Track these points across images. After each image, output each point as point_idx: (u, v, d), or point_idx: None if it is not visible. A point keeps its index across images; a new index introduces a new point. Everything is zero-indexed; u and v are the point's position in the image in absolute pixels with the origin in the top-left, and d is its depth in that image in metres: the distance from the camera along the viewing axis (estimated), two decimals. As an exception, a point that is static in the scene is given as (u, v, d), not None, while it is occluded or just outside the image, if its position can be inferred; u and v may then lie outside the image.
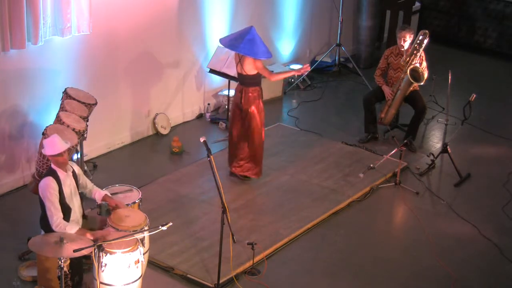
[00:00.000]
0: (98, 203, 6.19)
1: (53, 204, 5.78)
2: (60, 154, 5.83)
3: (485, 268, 6.87)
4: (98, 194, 6.19)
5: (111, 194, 6.36)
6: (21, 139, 7.56)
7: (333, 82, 11.16)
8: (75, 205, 6.03)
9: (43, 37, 7.25)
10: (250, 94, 7.66)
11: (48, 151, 5.83)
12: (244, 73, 7.57)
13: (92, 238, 5.71)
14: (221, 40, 7.73)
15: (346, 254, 6.95)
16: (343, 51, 11.26)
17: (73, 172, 6.06)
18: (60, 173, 5.88)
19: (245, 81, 7.65)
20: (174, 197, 7.66)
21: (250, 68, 7.52)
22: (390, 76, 9.01)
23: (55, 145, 5.81)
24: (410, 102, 9.00)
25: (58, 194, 5.82)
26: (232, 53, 8.13)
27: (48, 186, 5.79)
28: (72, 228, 5.75)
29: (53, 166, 5.89)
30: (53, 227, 5.76)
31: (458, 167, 8.39)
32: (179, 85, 9.29)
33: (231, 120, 7.94)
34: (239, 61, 7.58)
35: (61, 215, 5.79)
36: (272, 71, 8.02)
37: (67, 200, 5.90)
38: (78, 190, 6.11)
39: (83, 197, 6.25)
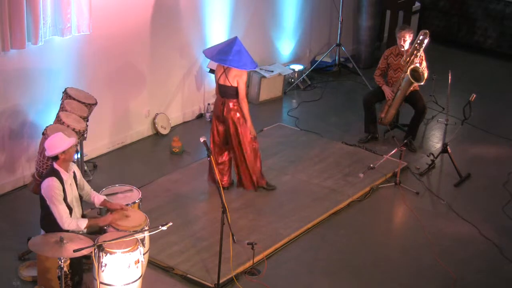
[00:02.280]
0: (97, 207, 6.21)
1: (60, 204, 5.78)
2: (67, 151, 5.83)
3: (485, 268, 6.87)
4: (97, 198, 6.18)
5: (111, 194, 6.36)
6: (21, 139, 7.56)
7: (333, 82, 11.16)
8: (75, 205, 6.03)
9: (43, 37, 7.25)
10: (232, 106, 7.46)
11: (55, 149, 5.80)
12: (229, 84, 7.38)
13: (105, 223, 5.82)
14: (205, 53, 7.52)
15: (346, 254, 6.96)
16: (343, 51, 11.25)
17: (73, 173, 6.06)
18: (63, 173, 5.88)
19: (228, 93, 7.42)
20: (174, 197, 7.66)
21: (234, 80, 7.36)
22: (390, 76, 9.01)
23: (62, 141, 5.80)
24: (410, 102, 9.00)
25: (62, 194, 5.82)
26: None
27: (52, 187, 5.78)
28: (82, 223, 5.80)
29: (55, 166, 5.88)
30: (64, 227, 5.77)
31: (458, 167, 8.39)
32: (179, 85, 9.29)
33: (212, 134, 7.67)
34: (223, 72, 7.39)
35: (68, 213, 5.81)
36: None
37: (69, 200, 5.90)
38: (77, 190, 6.11)
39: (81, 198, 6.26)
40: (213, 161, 6.10)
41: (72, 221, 5.80)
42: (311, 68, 11.15)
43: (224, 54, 7.27)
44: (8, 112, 7.39)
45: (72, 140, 5.87)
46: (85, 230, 5.86)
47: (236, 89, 7.41)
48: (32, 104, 7.54)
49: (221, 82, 7.43)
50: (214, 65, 9.11)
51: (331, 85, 11.03)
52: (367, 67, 11.54)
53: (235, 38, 7.38)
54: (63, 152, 5.82)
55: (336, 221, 7.49)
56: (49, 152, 5.83)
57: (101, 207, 6.20)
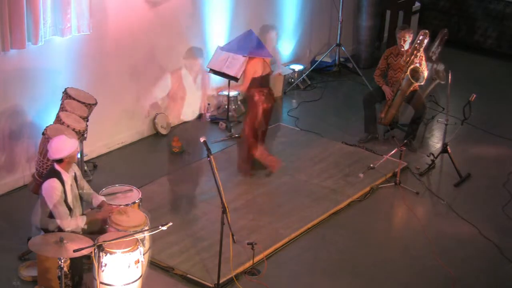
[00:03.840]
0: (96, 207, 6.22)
1: (60, 205, 5.79)
2: (72, 153, 5.84)
3: (485, 268, 6.87)
4: (95, 199, 6.19)
5: (111, 194, 6.36)
6: (21, 139, 7.56)
7: (333, 82, 11.16)
8: (75, 205, 6.03)
9: (43, 37, 7.25)
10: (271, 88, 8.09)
11: (60, 153, 5.80)
12: (269, 71, 7.94)
13: (104, 216, 5.88)
14: (225, 49, 8.07)
15: (346, 254, 6.96)
16: (343, 51, 11.26)
17: (74, 173, 6.06)
18: (64, 174, 5.88)
19: (268, 80, 8.00)
20: (174, 197, 7.66)
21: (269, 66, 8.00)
22: (390, 76, 9.01)
23: (67, 145, 5.81)
24: (410, 102, 9.00)
25: (63, 195, 5.83)
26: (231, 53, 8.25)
27: (53, 188, 5.78)
28: (82, 221, 5.84)
29: (57, 167, 5.88)
30: (65, 228, 5.78)
31: (458, 167, 8.39)
32: (179, 85, 9.29)
33: (257, 127, 8.05)
34: (263, 62, 7.84)
35: (68, 214, 5.81)
36: None
37: (69, 201, 5.91)
38: (77, 191, 6.12)
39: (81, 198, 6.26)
40: (213, 161, 6.10)
41: (71, 221, 5.81)
42: (311, 68, 11.15)
43: (252, 47, 7.87)
44: (8, 112, 7.39)
45: (75, 142, 5.89)
46: (85, 227, 5.87)
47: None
48: (32, 104, 7.54)
49: (265, 73, 7.88)
50: (214, 65, 9.13)
51: (331, 85, 11.03)
52: (367, 67, 11.54)
53: (250, 31, 7.88)
54: (68, 155, 5.84)
55: (336, 221, 7.49)
56: (54, 156, 5.82)
57: (100, 207, 6.20)
